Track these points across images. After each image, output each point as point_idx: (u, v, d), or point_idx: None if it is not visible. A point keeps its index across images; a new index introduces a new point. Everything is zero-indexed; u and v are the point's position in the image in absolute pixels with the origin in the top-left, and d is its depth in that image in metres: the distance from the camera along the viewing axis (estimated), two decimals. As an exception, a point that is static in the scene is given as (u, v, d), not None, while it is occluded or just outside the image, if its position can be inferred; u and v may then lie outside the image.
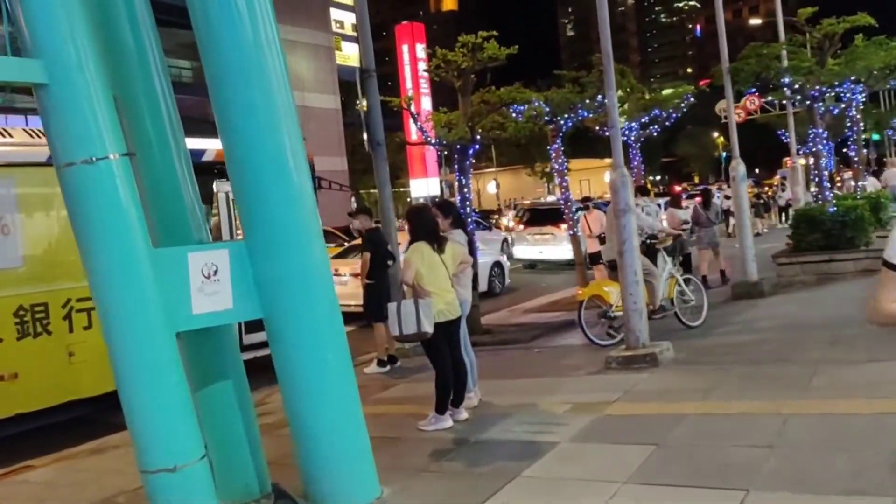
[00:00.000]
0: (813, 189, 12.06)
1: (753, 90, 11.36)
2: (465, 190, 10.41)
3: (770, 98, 12.95)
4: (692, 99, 16.07)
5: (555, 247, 18.21)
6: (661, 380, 6.34)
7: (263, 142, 3.83)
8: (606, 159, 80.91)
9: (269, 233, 3.94)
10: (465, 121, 9.76)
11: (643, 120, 15.79)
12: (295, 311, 3.98)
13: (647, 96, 15.34)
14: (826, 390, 5.33)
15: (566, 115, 12.77)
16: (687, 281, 9.15)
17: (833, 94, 11.15)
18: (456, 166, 10.44)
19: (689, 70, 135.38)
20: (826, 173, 11.37)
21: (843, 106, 12.72)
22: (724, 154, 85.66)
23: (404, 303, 5.56)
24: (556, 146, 13.11)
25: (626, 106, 14.80)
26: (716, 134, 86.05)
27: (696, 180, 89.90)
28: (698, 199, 13.19)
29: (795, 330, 7.55)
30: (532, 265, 19.59)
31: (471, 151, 10.12)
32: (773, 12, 13.26)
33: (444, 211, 6.45)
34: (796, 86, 11.20)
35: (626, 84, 13.68)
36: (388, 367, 8.55)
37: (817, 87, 11.08)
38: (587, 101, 12.59)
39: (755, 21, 47.57)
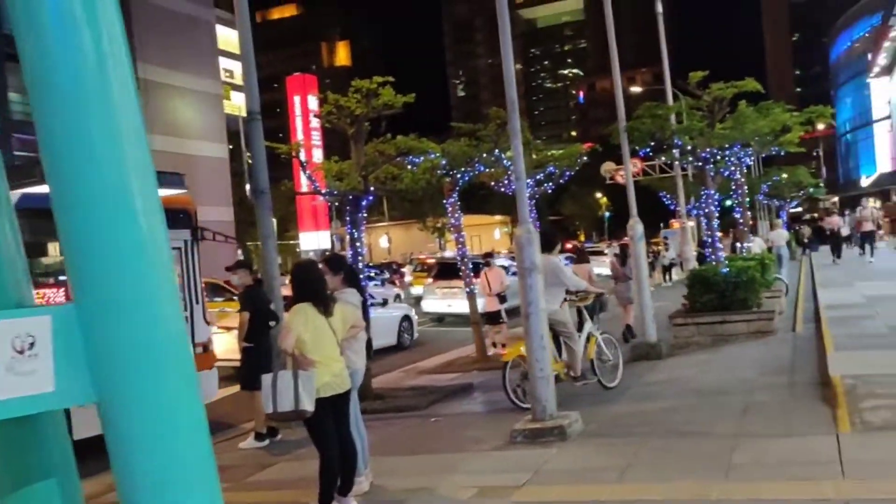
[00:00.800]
0: (706, 250, 12.09)
1: (647, 150, 11.22)
2: (358, 244, 9.71)
3: (663, 159, 13.00)
4: (585, 158, 16.14)
5: (463, 300, 17.14)
6: (571, 456, 5.76)
7: (101, 178, 2.99)
8: (497, 216, 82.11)
9: (106, 293, 3.07)
10: (358, 170, 9.12)
11: (538, 177, 15.67)
12: (138, 395, 3.09)
13: (536, 156, 15.26)
14: (751, 470, 4.90)
15: (463, 169, 12.40)
16: (607, 341, 8.81)
17: (722, 156, 11.32)
18: (348, 218, 9.74)
19: (573, 133, 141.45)
20: (718, 234, 11.43)
21: (732, 168, 13.05)
22: (607, 213, 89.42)
23: (281, 374, 4.75)
24: (453, 200, 12.67)
25: (521, 162, 14.63)
26: (599, 194, 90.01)
27: (582, 238, 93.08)
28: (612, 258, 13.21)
29: (703, 396, 7.21)
30: (440, 318, 19.72)
31: (363, 203, 9.46)
32: (651, 81, 13.60)
33: (334, 267, 5.73)
34: (689, 147, 11.28)
35: (523, 139, 13.50)
36: (267, 441, 7.60)
37: (707, 150, 11.20)
38: (484, 154, 12.26)
39: (636, 89, 49.82)
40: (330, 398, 4.96)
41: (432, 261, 31.85)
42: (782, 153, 14.80)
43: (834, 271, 17.97)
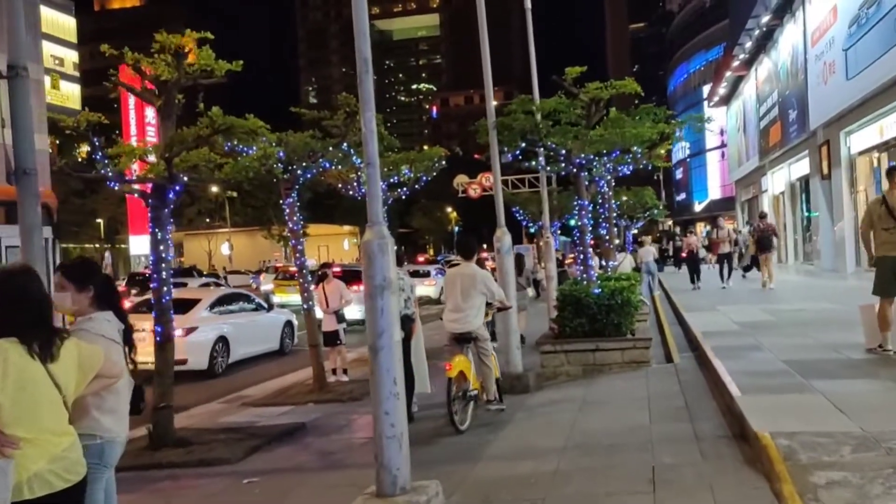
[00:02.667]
0: (577, 268, 10.87)
1: (518, 153, 9.80)
2: (162, 247, 7.54)
3: (526, 164, 11.70)
4: (444, 163, 14.66)
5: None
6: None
7: None
8: (346, 226, 79.86)
9: None
10: (162, 152, 6.97)
11: (392, 180, 13.99)
12: None
13: (392, 154, 13.58)
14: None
15: (304, 165, 10.47)
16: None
17: (599, 163, 10.18)
18: (150, 215, 7.54)
19: (425, 147, 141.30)
20: (591, 251, 10.23)
21: (608, 177, 12.02)
22: (457, 228, 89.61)
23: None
24: (291, 201, 10.70)
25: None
26: (450, 209, 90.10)
27: (432, 252, 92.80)
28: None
29: (593, 454, 5.74)
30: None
31: (170, 195, 7.31)
32: (503, 98, 12.26)
33: (76, 277, 3.69)
34: (563, 151, 10.01)
35: (377, 134, 11.73)
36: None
37: (582, 155, 9.98)
38: (330, 148, 10.40)
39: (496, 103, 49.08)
40: (44, 499, 2.95)
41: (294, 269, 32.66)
42: (641, 167, 13.96)
43: (691, 293, 17.60)
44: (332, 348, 12.04)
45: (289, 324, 16.03)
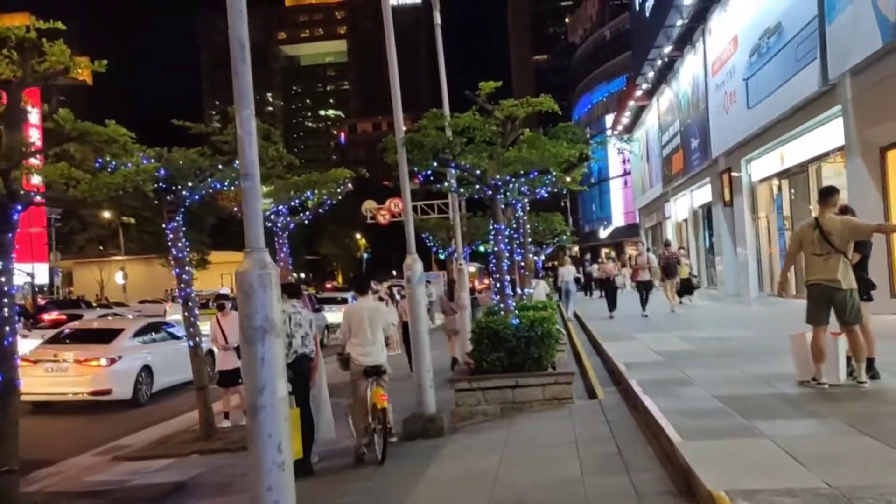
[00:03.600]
0: (493, 296, 10.12)
1: (429, 172, 8.99)
2: (5, 278, 6.27)
3: (438, 186, 10.93)
4: (350, 186, 13.75)
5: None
6: None
7: None
8: (249, 254, 77.33)
9: None
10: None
11: (294, 203, 12.96)
12: None
13: (290, 175, 12.57)
14: None
15: (190, 184, 9.34)
16: None
17: (516, 184, 9.51)
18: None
19: (344, 192, 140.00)
20: (507, 278, 9.49)
21: (525, 200, 11.39)
22: (365, 254, 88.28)
23: None
24: (175, 225, 9.52)
25: (271, 185, 11.82)
26: (358, 235, 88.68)
27: (340, 279, 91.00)
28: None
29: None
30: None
31: (13, 215, 6.08)
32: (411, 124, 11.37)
33: None
34: (477, 171, 9.28)
35: (273, 150, 10.67)
36: None
37: (497, 177, 9.28)
38: (220, 166, 9.32)
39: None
40: None
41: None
42: (555, 190, 13.46)
43: (607, 321, 17.20)
44: (226, 389, 10.84)
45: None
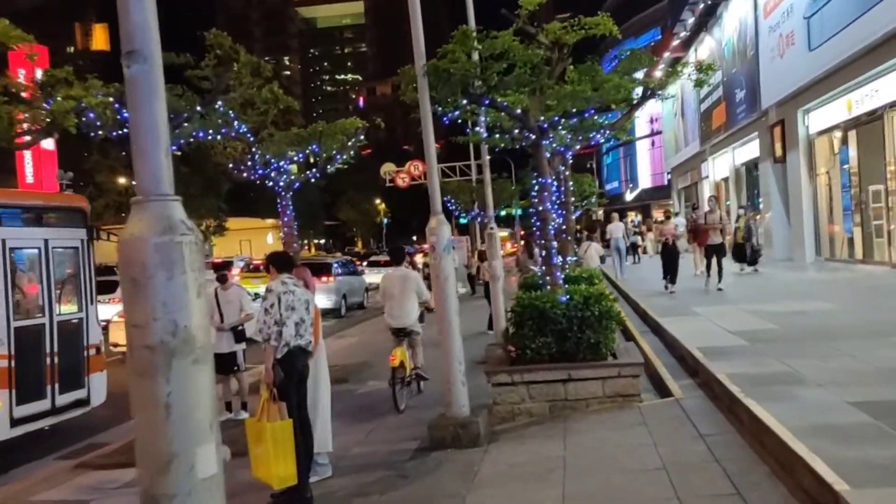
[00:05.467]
0: (538, 267, 8.30)
1: (456, 112, 7.04)
2: None
3: (473, 127, 9.04)
4: (363, 138, 11.87)
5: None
6: None
7: None
8: (269, 220, 76.66)
9: None
10: None
11: (298, 158, 11.14)
12: None
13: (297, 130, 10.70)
14: None
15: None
16: None
17: (567, 127, 7.64)
18: None
19: (357, 145, 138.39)
20: (554, 244, 7.62)
21: (577, 147, 9.48)
22: (385, 220, 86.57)
23: None
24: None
25: (269, 135, 9.97)
26: (378, 200, 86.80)
27: (360, 245, 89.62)
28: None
29: None
30: None
31: None
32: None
33: None
34: (517, 111, 7.36)
35: (266, 91, 8.64)
36: None
37: (542, 118, 7.36)
38: (199, 108, 7.46)
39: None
40: None
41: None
42: (604, 139, 11.56)
43: (660, 296, 15.14)
44: (225, 376, 9.18)
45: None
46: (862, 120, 17.28)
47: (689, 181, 39.07)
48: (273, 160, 10.79)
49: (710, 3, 27.30)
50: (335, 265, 23.56)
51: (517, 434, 6.58)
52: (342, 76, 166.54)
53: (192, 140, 8.04)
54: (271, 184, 11.18)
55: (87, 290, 9.07)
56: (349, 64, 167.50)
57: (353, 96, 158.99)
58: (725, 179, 31.05)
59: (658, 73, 33.13)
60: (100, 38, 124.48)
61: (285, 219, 11.45)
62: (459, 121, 8.26)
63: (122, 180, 63.04)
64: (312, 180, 11.87)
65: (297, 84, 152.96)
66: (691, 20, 29.59)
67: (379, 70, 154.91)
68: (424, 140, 6.68)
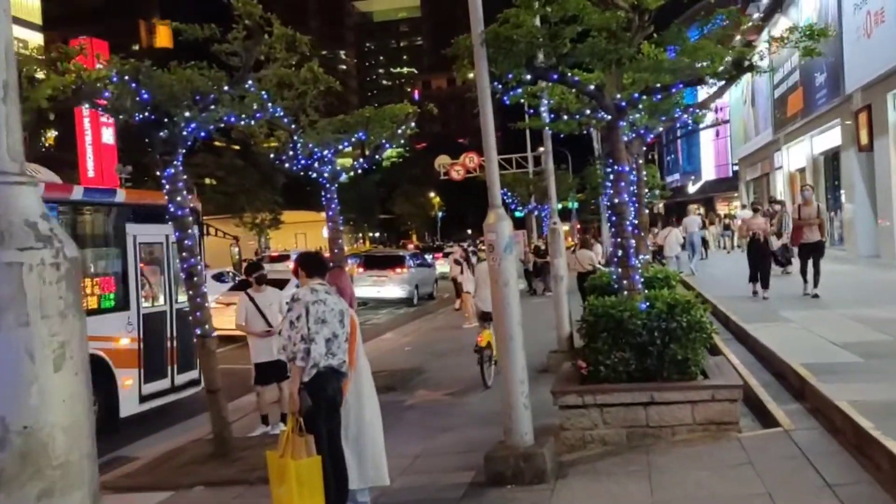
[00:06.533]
0: (612, 269, 7.26)
1: (517, 90, 6.00)
2: None
3: (534, 108, 8.01)
4: (413, 125, 10.95)
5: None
6: None
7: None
8: (323, 213, 76.87)
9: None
10: None
11: (343, 146, 10.28)
12: None
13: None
14: None
15: (188, 115, 6.71)
16: None
17: (650, 104, 6.56)
18: None
19: (408, 132, 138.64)
20: (632, 243, 6.55)
21: (660, 129, 8.40)
22: (440, 213, 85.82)
23: None
24: (172, 172, 6.96)
25: (311, 123, 9.10)
26: (432, 194, 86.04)
27: (415, 239, 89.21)
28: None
29: None
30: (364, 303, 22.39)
31: None
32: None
33: None
34: (591, 87, 6.30)
35: (306, 70, 7.73)
36: None
37: (618, 96, 6.28)
38: (226, 87, 6.61)
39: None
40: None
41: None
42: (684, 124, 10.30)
43: (743, 300, 13.69)
44: (263, 387, 8.39)
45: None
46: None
47: (760, 172, 37.06)
48: (316, 149, 9.95)
49: (787, -17, 25.49)
50: (408, 258, 25.37)
51: (590, 467, 5.55)
52: (398, 69, 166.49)
53: (222, 125, 7.21)
54: (315, 175, 10.36)
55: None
56: (404, 57, 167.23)
57: (409, 90, 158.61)
58: (801, 170, 29.12)
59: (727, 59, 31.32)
60: (164, 36, 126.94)
61: (330, 212, 10.64)
62: (521, 101, 7.24)
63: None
64: (360, 171, 11.01)
65: (353, 77, 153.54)
66: (765, 1, 27.78)
67: (434, 63, 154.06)
68: (482, 122, 5.69)
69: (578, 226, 57.24)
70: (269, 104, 7.08)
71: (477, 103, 5.80)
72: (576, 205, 41.83)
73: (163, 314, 9.80)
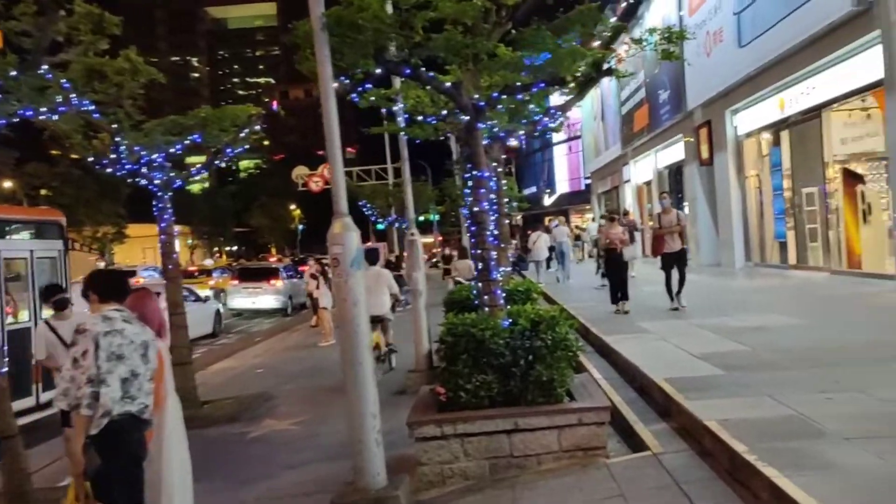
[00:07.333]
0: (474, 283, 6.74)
1: (368, 86, 5.33)
2: None
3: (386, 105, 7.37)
4: (258, 128, 10.04)
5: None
6: None
7: None
8: (176, 226, 72.91)
9: None
10: None
11: (176, 150, 9.21)
12: None
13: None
14: None
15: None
16: None
17: (512, 103, 6.10)
18: None
19: (265, 142, 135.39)
20: (493, 255, 6.04)
21: (522, 131, 7.95)
22: (300, 226, 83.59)
23: None
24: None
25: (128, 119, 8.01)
26: (293, 206, 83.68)
27: (274, 252, 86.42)
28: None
29: None
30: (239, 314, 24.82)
31: None
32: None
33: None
34: (447, 85, 5.75)
35: (122, 59, 6.70)
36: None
37: (476, 96, 5.78)
38: (13, 73, 5.50)
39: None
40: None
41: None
42: (536, 132, 10.17)
43: (602, 314, 13.68)
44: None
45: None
46: (796, 119, 16.55)
47: (610, 185, 38.52)
48: (144, 153, 8.84)
49: (631, 2, 26.54)
50: (282, 269, 26.55)
51: (451, 509, 4.94)
52: (254, 79, 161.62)
53: (16, 119, 6.04)
54: (144, 182, 9.23)
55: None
56: (261, 67, 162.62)
57: (266, 100, 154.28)
58: (648, 183, 30.41)
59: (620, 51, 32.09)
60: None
61: (163, 224, 9.54)
62: (376, 106, 6.61)
63: (7, 184, 58.14)
64: (197, 177, 9.95)
65: (205, 86, 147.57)
66: (612, 20, 28.82)
67: (292, 73, 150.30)
68: (325, 118, 4.97)
69: (440, 238, 57.27)
70: (73, 96, 6.00)
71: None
72: (437, 217, 41.77)
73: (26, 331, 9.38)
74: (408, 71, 5.48)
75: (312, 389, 10.65)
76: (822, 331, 8.62)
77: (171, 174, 9.51)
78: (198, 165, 9.68)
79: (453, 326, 5.80)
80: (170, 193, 9.51)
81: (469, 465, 5.48)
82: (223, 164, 10.17)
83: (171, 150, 8.92)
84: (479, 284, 6.10)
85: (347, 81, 5.76)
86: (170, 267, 9.64)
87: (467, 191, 5.91)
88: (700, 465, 4.83)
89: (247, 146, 10.28)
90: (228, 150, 9.92)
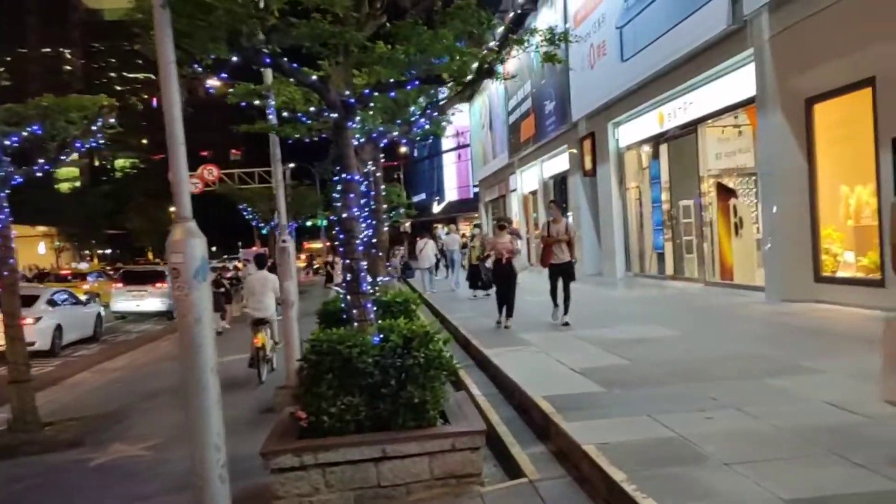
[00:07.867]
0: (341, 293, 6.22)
1: (225, 76, 4.72)
2: None
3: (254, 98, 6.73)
4: (113, 120, 9.13)
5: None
6: None
7: None
8: (40, 227, 67.75)
9: None
10: None
11: (12, 142, 8.20)
12: None
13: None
14: None
15: None
16: None
17: (378, 106, 5.63)
18: None
19: (144, 141, 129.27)
20: (363, 265, 5.55)
21: (395, 133, 7.47)
22: (178, 230, 79.99)
23: None
24: None
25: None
26: (172, 208, 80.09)
27: (151, 255, 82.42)
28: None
29: None
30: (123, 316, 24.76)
31: None
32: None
33: None
34: (313, 77, 5.23)
35: None
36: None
37: (347, 93, 5.29)
38: None
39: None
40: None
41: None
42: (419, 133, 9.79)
43: (475, 313, 13.53)
44: None
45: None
46: (674, 134, 17.00)
47: (497, 194, 38.85)
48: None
49: (519, 12, 26.78)
50: (167, 273, 25.87)
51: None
52: (133, 74, 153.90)
53: None
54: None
55: None
56: (140, 62, 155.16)
57: (146, 96, 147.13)
58: (534, 192, 30.79)
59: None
60: None
61: (-1, 224, 8.46)
62: (245, 102, 5.98)
63: None
64: (39, 174, 8.90)
65: (79, 80, 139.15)
66: (500, 30, 29.03)
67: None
68: (165, 106, 4.33)
69: (328, 243, 56.05)
70: None
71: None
72: (324, 222, 40.75)
73: None
74: (267, 60, 4.90)
75: (172, 407, 9.77)
76: (698, 342, 8.65)
77: (10, 169, 8.48)
78: (40, 161, 8.66)
79: (318, 343, 5.25)
80: (7, 191, 8.48)
81: (331, 498, 4.95)
82: (68, 159, 9.19)
83: (7, 143, 7.90)
84: (348, 297, 5.58)
85: (201, 69, 5.12)
86: (5, 273, 8.56)
87: (336, 195, 5.40)
88: (578, 493, 4.51)
89: (101, 141, 9.32)
90: (80, 145, 8.96)
